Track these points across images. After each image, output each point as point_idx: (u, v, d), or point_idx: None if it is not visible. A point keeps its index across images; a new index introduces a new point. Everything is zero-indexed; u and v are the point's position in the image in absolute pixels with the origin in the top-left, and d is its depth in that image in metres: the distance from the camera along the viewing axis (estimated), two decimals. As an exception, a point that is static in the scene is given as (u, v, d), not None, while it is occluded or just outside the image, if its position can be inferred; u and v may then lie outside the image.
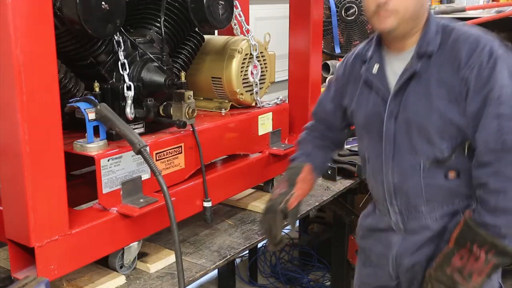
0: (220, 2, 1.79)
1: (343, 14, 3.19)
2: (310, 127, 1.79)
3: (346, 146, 2.94)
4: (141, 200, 1.52)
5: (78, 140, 1.47)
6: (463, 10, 3.26)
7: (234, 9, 1.95)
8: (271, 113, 2.08)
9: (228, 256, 1.72)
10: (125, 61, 1.57)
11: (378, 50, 1.52)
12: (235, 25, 2.10)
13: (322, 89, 2.51)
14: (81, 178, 1.87)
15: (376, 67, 1.51)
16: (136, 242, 1.56)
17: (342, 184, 2.40)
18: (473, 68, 1.33)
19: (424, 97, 1.40)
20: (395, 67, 1.47)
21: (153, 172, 1.33)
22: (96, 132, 1.47)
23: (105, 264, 1.55)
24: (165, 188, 1.31)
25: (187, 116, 1.66)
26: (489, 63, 1.32)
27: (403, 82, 1.43)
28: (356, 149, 2.77)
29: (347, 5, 3.17)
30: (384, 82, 1.48)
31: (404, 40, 1.45)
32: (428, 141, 1.41)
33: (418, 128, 1.42)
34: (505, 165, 1.30)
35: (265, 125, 2.06)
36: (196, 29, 1.92)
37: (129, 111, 1.57)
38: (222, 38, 2.06)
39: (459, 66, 1.35)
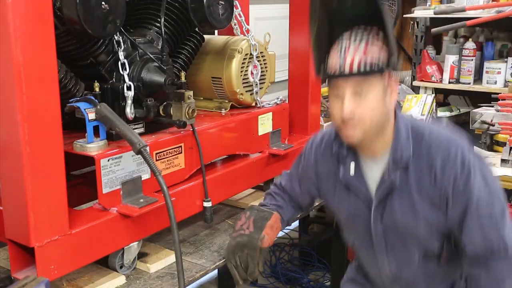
0: (220, 2, 1.79)
1: (343, 14, 3.18)
2: (276, 193, 1.73)
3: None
4: (141, 200, 1.52)
5: (78, 140, 1.47)
6: (463, 10, 3.25)
7: (234, 9, 1.95)
8: (271, 113, 2.08)
9: (228, 256, 1.72)
10: (125, 61, 1.57)
11: (352, 150, 1.48)
12: (235, 25, 2.10)
13: (322, 89, 2.51)
14: (81, 178, 1.87)
15: (352, 167, 1.48)
16: (136, 242, 1.56)
17: (342, 184, 2.40)
18: (449, 181, 1.35)
19: (408, 205, 1.41)
20: (373, 171, 1.46)
21: (153, 172, 1.33)
22: (96, 132, 1.47)
23: (105, 264, 1.55)
24: (165, 188, 1.31)
25: (187, 116, 1.66)
26: (463, 173, 1.35)
27: (385, 194, 1.43)
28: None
29: (347, 5, 3.17)
30: (363, 186, 1.47)
31: (373, 146, 1.43)
32: (418, 242, 1.45)
33: (406, 233, 1.44)
34: (493, 266, 1.37)
35: (265, 125, 2.06)
36: (196, 29, 1.92)
37: (129, 111, 1.57)
38: (222, 38, 2.06)
39: (435, 177, 1.37)
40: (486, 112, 2.83)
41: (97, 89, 1.53)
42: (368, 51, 1.31)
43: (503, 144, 2.59)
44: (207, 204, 1.76)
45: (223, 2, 1.80)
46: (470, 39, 3.60)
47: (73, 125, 1.54)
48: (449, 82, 3.51)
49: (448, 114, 3.52)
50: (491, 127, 2.74)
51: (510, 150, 2.48)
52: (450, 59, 3.49)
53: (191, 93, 1.67)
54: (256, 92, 2.05)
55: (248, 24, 2.06)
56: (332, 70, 1.35)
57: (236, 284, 1.55)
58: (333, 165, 1.53)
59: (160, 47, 1.71)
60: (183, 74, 1.70)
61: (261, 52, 2.05)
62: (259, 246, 1.52)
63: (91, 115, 1.43)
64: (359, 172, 1.48)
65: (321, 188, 1.61)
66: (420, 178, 1.39)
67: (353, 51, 1.32)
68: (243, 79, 1.99)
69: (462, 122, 3.46)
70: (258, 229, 1.55)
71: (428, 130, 1.42)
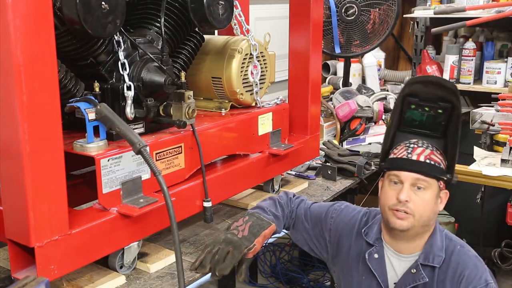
0: (220, 2, 1.79)
1: (343, 14, 3.19)
2: (280, 204, 1.74)
3: (346, 146, 2.94)
4: (141, 200, 1.52)
5: (78, 140, 1.47)
6: (463, 10, 3.25)
7: (234, 9, 1.95)
8: (271, 113, 2.08)
9: (228, 256, 1.71)
10: (125, 61, 1.57)
11: (380, 239, 1.61)
12: (235, 25, 2.10)
13: (322, 89, 2.51)
14: (81, 178, 1.87)
15: (376, 256, 1.60)
16: (136, 242, 1.56)
17: (342, 184, 2.40)
18: None
19: None
20: (395, 267, 1.58)
21: (153, 172, 1.33)
22: (96, 132, 1.47)
23: (105, 264, 1.55)
24: (165, 188, 1.31)
25: (187, 116, 1.66)
26: None
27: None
28: (356, 149, 2.77)
29: (347, 5, 3.17)
30: (382, 277, 1.57)
31: (408, 243, 1.54)
32: None
33: None
34: None
35: (265, 125, 2.06)
36: (196, 29, 1.92)
37: (129, 111, 1.57)
38: (222, 38, 2.06)
39: (460, 285, 1.48)
40: (486, 112, 2.83)
41: (97, 89, 1.53)
42: (433, 155, 1.51)
43: (503, 144, 2.59)
44: (207, 204, 1.76)
45: (223, 2, 1.80)
46: (470, 39, 3.61)
47: (73, 125, 1.54)
48: (449, 82, 3.51)
49: (448, 114, 3.52)
50: (491, 127, 2.75)
51: (510, 150, 2.48)
52: (450, 59, 3.49)
53: (191, 93, 1.67)
54: (256, 92, 2.05)
55: (248, 24, 2.06)
56: (399, 156, 1.51)
57: (192, 267, 1.46)
58: (359, 242, 1.64)
59: (160, 47, 1.71)
60: (183, 74, 1.70)
61: (261, 52, 2.05)
62: (244, 253, 1.49)
63: (91, 115, 1.43)
64: (382, 263, 1.58)
65: (335, 256, 1.69)
66: (443, 285, 1.49)
67: (421, 149, 1.51)
68: (243, 79, 1.99)
69: (462, 122, 3.46)
70: (252, 235, 1.54)
71: (459, 247, 1.55)
